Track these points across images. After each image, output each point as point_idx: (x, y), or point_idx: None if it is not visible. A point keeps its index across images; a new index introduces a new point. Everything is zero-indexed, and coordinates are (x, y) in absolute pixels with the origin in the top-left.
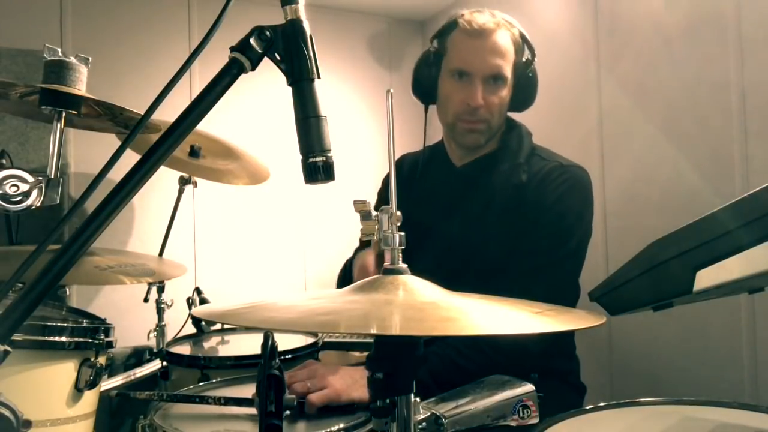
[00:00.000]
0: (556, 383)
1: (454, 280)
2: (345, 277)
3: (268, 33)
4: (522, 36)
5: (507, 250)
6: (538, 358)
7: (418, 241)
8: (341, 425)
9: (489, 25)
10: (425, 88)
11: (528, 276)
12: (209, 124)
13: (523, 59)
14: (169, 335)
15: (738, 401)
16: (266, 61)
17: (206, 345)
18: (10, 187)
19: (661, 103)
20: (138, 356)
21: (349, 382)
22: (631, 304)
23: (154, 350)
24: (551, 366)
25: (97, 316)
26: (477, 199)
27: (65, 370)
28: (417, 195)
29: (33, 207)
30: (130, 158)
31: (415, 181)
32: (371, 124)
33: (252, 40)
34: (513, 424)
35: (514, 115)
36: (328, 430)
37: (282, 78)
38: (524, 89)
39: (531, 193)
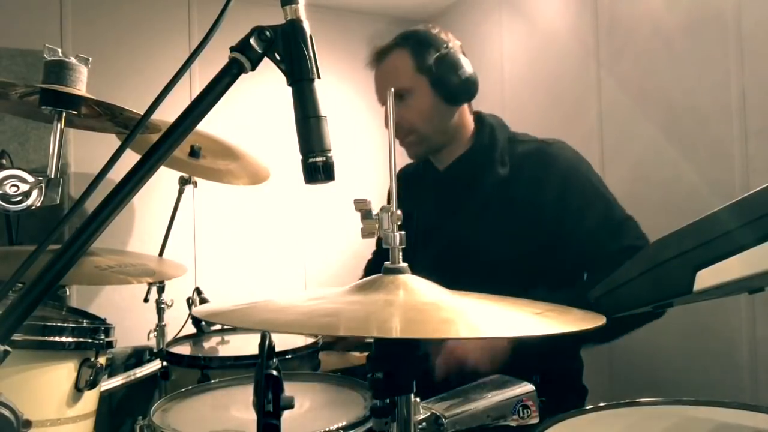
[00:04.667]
0: (558, 386)
1: (450, 286)
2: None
3: (268, 33)
4: (420, 40)
5: (506, 249)
6: (543, 356)
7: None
8: (341, 424)
9: (378, 50)
10: None
11: (580, 255)
12: (209, 124)
13: (429, 58)
14: (169, 335)
15: (738, 401)
16: (266, 61)
17: (206, 345)
18: (10, 187)
19: (661, 103)
20: (138, 356)
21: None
22: (631, 304)
23: (154, 350)
24: (554, 368)
25: (97, 316)
26: (463, 201)
27: (65, 370)
28: (415, 203)
29: (33, 207)
30: (130, 158)
31: (412, 192)
32: (371, 124)
33: (252, 40)
34: (513, 424)
35: (518, 116)
36: (328, 429)
37: (282, 78)
38: (442, 82)
39: (520, 182)
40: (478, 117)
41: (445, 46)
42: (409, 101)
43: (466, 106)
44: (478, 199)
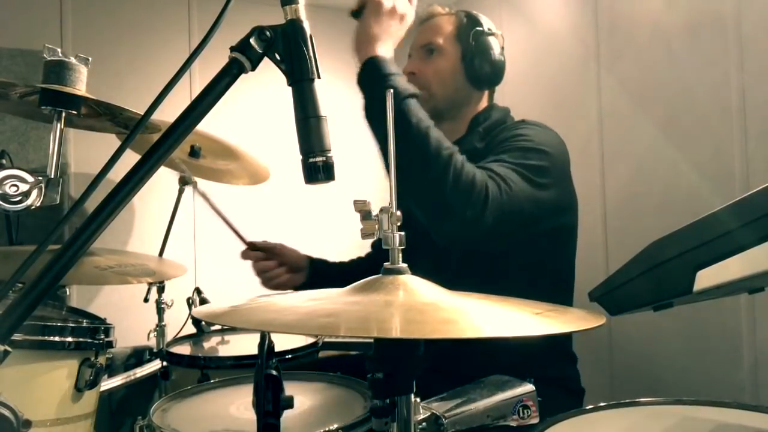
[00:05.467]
0: (554, 390)
1: (450, 281)
2: None
3: (268, 33)
4: (470, 16)
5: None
6: (538, 358)
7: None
8: (341, 424)
9: (431, 11)
10: None
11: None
12: (209, 124)
13: (471, 32)
14: (169, 335)
15: (738, 401)
16: (266, 61)
17: (206, 345)
18: (10, 187)
19: (661, 103)
20: (138, 356)
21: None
22: (631, 304)
23: (154, 350)
24: (549, 370)
25: (97, 316)
26: None
27: (65, 370)
28: None
29: (33, 207)
30: (130, 158)
31: None
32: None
33: (252, 40)
34: (513, 424)
35: (518, 116)
36: (328, 429)
37: (282, 78)
38: (473, 59)
39: (485, 152)
40: (490, 105)
41: (489, 29)
42: (436, 58)
43: (486, 93)
44: None
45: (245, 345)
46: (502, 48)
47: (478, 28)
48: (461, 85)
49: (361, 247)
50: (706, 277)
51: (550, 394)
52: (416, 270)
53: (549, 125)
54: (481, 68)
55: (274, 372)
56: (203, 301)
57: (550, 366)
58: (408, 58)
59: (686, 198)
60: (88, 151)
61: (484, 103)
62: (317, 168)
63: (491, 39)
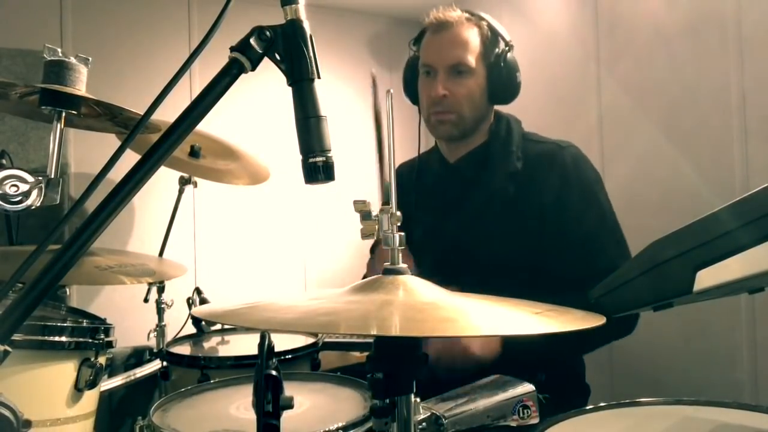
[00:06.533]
0: (562, 384)
1: (456, 278)
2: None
3: (268, 33)
4: (492, 28)
5: (514, 243)
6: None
7: (420, 242)
8: (341, 424)
9: (450, 19)
10: (410, 91)
11: (571, 265)
12: (209, 124)
13: (496, 50)
14: (169, 335)
15: (738, 401)
16: (266, 61)
17: (206, 345)
18: (10, 187)
19: (661, 103)
20: (138, 356)
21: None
22: (631, 304)
23: (154, 350)
24: (559, 366)
25: (97, 316)
26: (474, 194)
27: (65, 370)
28: (417, 198)
29: (33, 207)
30: (130, 158)
31: (413, 184)
32: (371, 125)
33: (252, 40)
34: (513, 424)
35: (518, 116)
36: (328, 429)
37: (282, 78)
38: (499, 80)
39: (531, 179)
40: (495, 113)
41: (506, 44)
42: (466, 80)
43: None
44: (488, 190)
45: (245, 345)
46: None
47: (502, 45)
48: (483, 104)
49: (361, 247)
50: (706, 277)
51: (558, 390)
52: (419, 269)
53: (549, 125)
54: (506, 91)
55: (274, 372)
56: (203, 301)
57: (561, 363)
58: (424, 71)
59: (686, 198)
60: (88, 151)
61: (491, 110)
62: (317, 168)
63: (512, 54)
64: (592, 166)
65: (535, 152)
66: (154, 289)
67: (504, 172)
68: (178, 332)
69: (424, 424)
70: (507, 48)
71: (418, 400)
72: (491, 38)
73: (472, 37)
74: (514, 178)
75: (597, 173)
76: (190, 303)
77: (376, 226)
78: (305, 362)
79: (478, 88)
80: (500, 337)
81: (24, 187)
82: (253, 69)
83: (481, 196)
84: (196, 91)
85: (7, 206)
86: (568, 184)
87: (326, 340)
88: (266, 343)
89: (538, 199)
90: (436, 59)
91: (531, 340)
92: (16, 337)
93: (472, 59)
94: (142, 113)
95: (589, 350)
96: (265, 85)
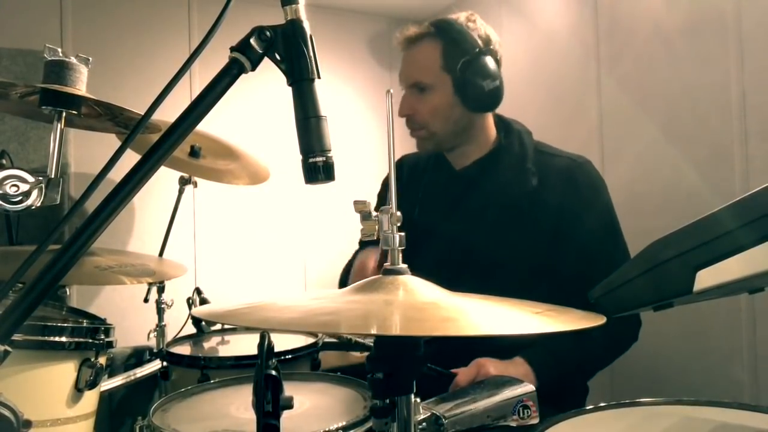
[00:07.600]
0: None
1: (455, 284)
2: (346, 278)
3: (268, 33)
4: (458, 36)
5: (521, 256)
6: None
7: (419, 244)
8: (341, 424)
9: (409, 37)
10: None
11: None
12: (209, 124)
13: (463, 58)
14: (169, 335)
15: (738, 401)
16: (266, 61)
17: (206, 345)
18: (10, 187)
19: (661, 103)
20: (138, 356)
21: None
22: (631, 304)
23: (154, 350)
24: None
25: (97, 316)
26: (479, 202)
27: (65, 370)
28: (420, 198)
29: (33, 207)
30: (130, 158)
31: (418, 183)
32: (371, 124)
33: (252, 40)
34: (513, 424)
35: (518, 116)
36: (328, 429)
37: (282, 78)
38: (469, 87)
39: (546, 195)
40: (500, 120)
41: (477, 49)
42: (427, 97)
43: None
44: (500, 202)
45: (245, 345)
46: (498, 60)
47: (464, 55)
48: (459, 116)
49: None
50: (706, 277)
51: (556, 390)
52: (418, 273)
53: (549, 125)
54: (479, 97)
55: (274, 372)
56: (203, 301)
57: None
58: (401, 87)
59: (686, 198)
60: (88, 151)
61: (489, 115)
62: (317, 168)
63: (481, 61)
64: (603, 181)
65: (552, 167)
66: (154, 289)
67: (520, 189)
68: (178, 332)
69: (424, 424)
70: (480, 51)
71: (418, 400)
72: (452, 47)
73: (428, 53)
74: (530, 193)
75: (606, 188)
76: (190, 303)
77: (376, 227)
78: (305, 362)
79: (445, 101)
80: (531, 369)
81: (24, 187)
82: (253, 69)
83: (491, 206)
84: (196, 91)
85: (8, 206)
86: (583, 203)
87: (326, 340)
88: (266, 343)
89: (552, 215)
90: (402, 79)
91: (562, 368)
92: (17, 337)
93: (428, 75)
94: (142, 113)
95: (608, 364)
96: (265, 85)
